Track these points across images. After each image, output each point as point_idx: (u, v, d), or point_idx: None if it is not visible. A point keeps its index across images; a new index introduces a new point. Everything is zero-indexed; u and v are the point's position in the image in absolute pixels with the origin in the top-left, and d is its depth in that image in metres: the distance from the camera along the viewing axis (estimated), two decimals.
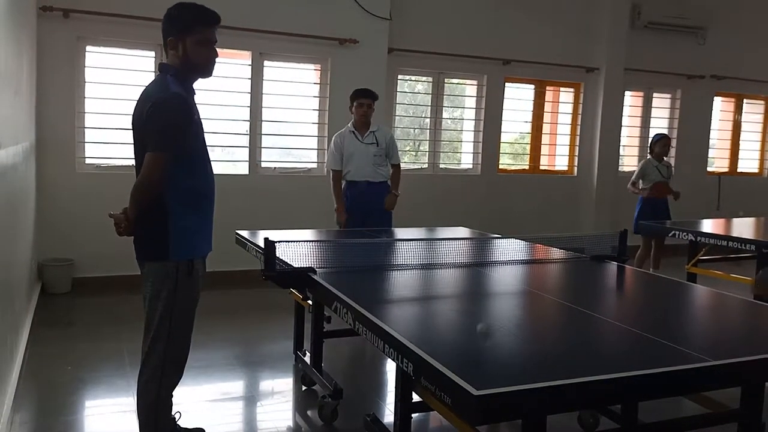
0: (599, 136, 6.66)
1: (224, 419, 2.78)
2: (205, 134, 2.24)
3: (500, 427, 2.73)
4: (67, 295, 4.65)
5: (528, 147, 6.69)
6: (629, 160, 7.10)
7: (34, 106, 4.44)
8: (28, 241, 3.95)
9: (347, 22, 5.39)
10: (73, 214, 4.69)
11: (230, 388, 3.18)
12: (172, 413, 2.31)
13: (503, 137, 6.44)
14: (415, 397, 2.09)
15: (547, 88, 6.63)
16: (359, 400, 2.93)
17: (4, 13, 2.72)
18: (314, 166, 5.61)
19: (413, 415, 2.16)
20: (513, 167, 6.65)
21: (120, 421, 2.70)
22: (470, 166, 6.36)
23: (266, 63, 5.31)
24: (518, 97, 6.49)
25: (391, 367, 3.31)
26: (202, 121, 2.25)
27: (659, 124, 7.17)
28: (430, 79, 6.07)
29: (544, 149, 6.75)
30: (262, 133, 5.37)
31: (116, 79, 4.78)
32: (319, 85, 5.54)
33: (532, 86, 6.52)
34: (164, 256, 2.12)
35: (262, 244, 2.53)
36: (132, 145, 2.18)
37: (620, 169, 6.93)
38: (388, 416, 2.74)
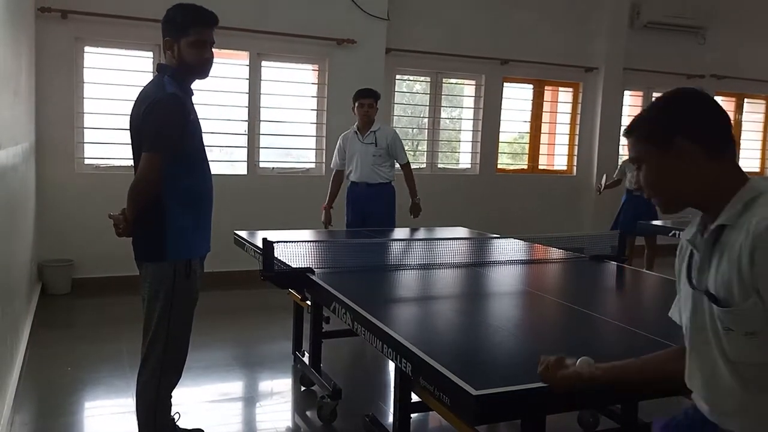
0: (598, 135, 6.66)
1: (223, 420, 2.78)
2: (202, 134, 2.24)
3: (499, 427, 2.73)
4: (67, 295, 4.65)
5: (527, 147, 6.68)
6: (625, 158, 7.10)
7: (33, 107, 4.44)
8: (28, 242, 3.95)
9: (345, 23, 5.39)
10: (73, 214, 4.69)
11: (229, 388, 3.18)
12: (172, 414, 2.31)
13: (502, 137, 6.43)
14: (414, 398, 2.09)
15: (546, 87, 6.62)
16: (358, 401, 2.93)
17: (2, 14, 2.72)
18: (312, 166, 5.61)
19: (412, 416, 2.16)
20: (512, 167, 6.65)
21: (119, 421, 2.70)
22: (469, 166, 6.36)
23: (264, 63, 5.30)
24: (517, 97, 6.49)
25: (390, 367, 3.31)
26: (201, 121, 2.25)
27: None
28: (428, 79, 6.07)
29: (543, 149, 6.75)
30: (261, 133, 5.37)
31: (114, 79, 4.78)
32: (317, 86, 5.54)
33: (531, 86, 6.52)
34: (162, 257, 2.12)
35: (260, 244, 2.53)
36: (130, 146, 2.18)
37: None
38: (388, 416, 2.74)
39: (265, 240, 2.46)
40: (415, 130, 6.48)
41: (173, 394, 2.27)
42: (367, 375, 3.42)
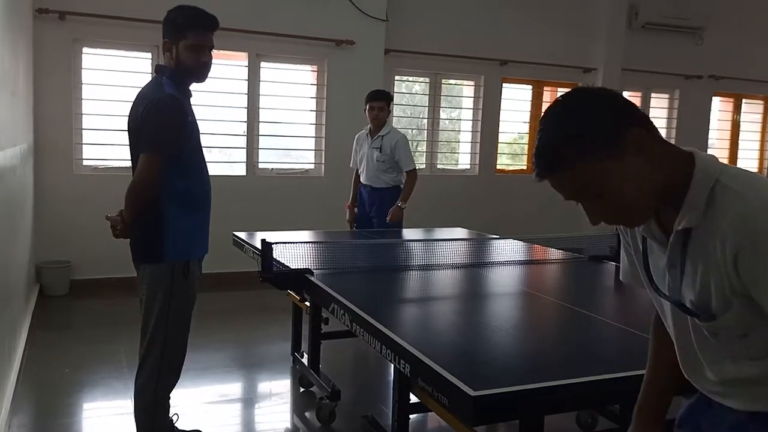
0: None
1: (222, 421, 2.78)
2: (200, 135, 2.24)
3: (498, 427, 2.72)
4: (65, 297, 4.64)
5: (526, 147, 6.69)
6: None
7: (31, 108, 4.44)
8: (26, 243, 3.94)
9: (343, 24, 5.39)
10: (71, 215, 4.68)
11: (228, 389, 3.18)
12: (170, 415, 2.30)
13: (501, 137, 6.44)
14: (413, 398, 2.09)
15: (545, 88, 6.63)
16: (357, 402, 2.92)
17: (0, 15, 2.71)
18: (311, 167, 5.61)
19: (411, 416, 2.16)
20: (511, 167, 6.65)
21: (118, 423, 2.69)
22: (468, 167, 6.36)
23: (263, 64, 5.30)
24: (515, 98, 6.50)
25: (388, 368, 3.30)
26: (199, 122, 2.25)
27: (658, 124, 7.08)
28: (427, 79, 6.07)
29: None
30: (260, 134, 5.37)
31: (113, 80, 4.78)
32: (316, 86, 5.54)
33: (530, 87, 6.52)
34: (159, 258, 2.11)
35: (259, 245, 2.53)
36: (128, 147, 2.18)
37: None
38: (386, 418, 2.73)
39: (263, 241, 2.46)
40: (414, 130, 6.48)
41: (171, 395, 2.26)
42: (365, 376, 3.42)
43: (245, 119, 5.28)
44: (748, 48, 7.21)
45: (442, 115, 6.35)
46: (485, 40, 6.05)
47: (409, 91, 6.29)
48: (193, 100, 2.24)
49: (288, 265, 2.52)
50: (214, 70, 2.25)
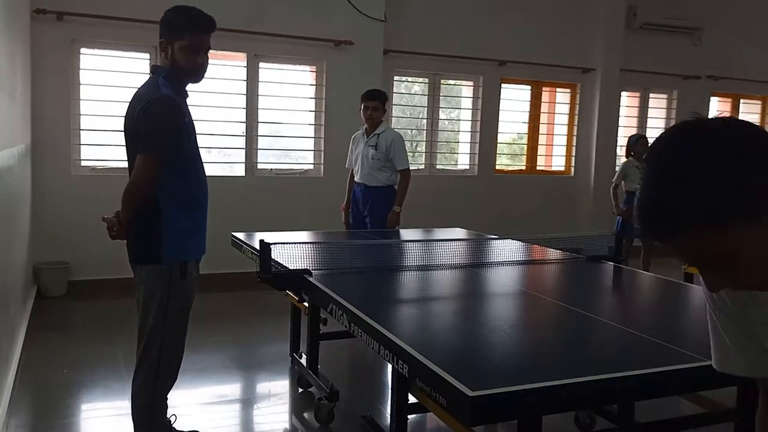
0: (596, 136, 6.67)
1: (220, 422, 2.77)
2: (197, 136, 2.23)
3: (496, 427, 2.72)
4: (63, 298, 4.63)
5: (525, 147, 6.69)
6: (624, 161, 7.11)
7: (29, 109, 4.43)
8: (24, 244, 3.93)
9: (342, 24, 5.39)
10: (69, 216, 4.67)
11: (226, 390, 3.17)
12: (168, 416, 2.30)
13: (500, 138, 6.44)
14: (411, 399, 2.09)
15: (544, 88, 6.63)
16: (355, 402, 2.92)
17: None
18: (310, 167, 5.61)
19: (409, 417, 2.15)
20: (510, 168, 6.66)
21: (116, 424, 2.69)
22: (467, 167, 6.36)
23: (261, 65, 5.30)
24: (515, 98, 6.50)
25: (387, 368, 3.30)
26: (198, 122, 2.25)
27: (656, 124, 7.19)
28: (426, 80, 6.07)
29: (541, 150, 6.76)
30: (259, 134, 5.37)
31: (111, 81, 4.78)
32: (314, 87, 5.54)
33: (529, 87, 6.53)
34: (157, 259, 2.11)
35: (257, 246, 2.52)
36: (124, 148, 2.17)
37: (617, 169, 6.93)
38: (385, 418, 2.73)
39: (262, 241, 2.46)
40: (413, 131, 6.48)
41: (169, 396, 2.26)
42: (364, 376, 3.42)
43: (244, 120, 5.27)
44: (746, 48, 7.22)
45: (441, 115, 6.35)
46: (484, 41, 6.05)
47: (409, 92, 6.29)
48: (190, 101, 2.23)
49: (286, 265, 2.51)
50: (213, 70, 2.24)
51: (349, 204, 4.32)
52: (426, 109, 6.13)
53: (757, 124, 0.68)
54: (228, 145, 5.42)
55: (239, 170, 5.35)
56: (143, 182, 2.05)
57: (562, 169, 6.82)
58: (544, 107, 6.68)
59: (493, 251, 3.14)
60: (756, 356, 0.89)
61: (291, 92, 5.53)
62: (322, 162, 5.51)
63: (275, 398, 3.10)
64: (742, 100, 7.65)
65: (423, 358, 1.49)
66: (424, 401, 1.90)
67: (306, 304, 2.95)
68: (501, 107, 6.34)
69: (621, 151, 7.08)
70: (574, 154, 6.75)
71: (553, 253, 3.03)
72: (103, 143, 4.91)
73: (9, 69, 3.18)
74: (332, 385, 2.69)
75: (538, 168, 6.73)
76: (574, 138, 6.73)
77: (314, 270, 2.44)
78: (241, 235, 3.25)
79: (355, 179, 4.24)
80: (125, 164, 2.20)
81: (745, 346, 0.89)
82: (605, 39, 6.53)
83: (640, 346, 1.71)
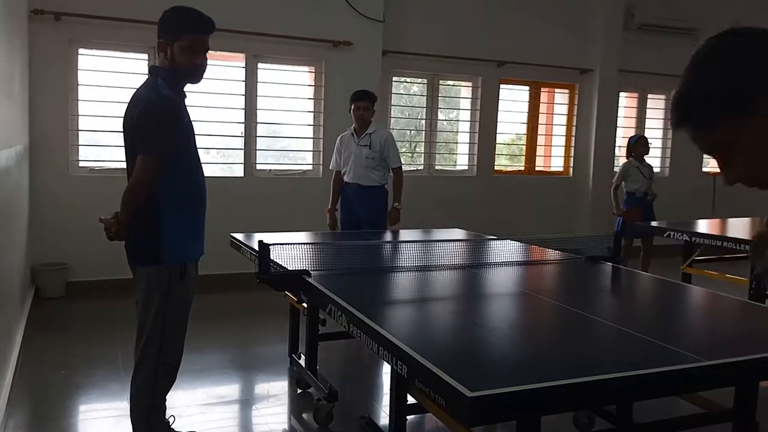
0: (594, 137, 6.67)
1: (219, 423, 2.77)
2: (196, 137, 2.23)
3: (495, 428, 2.72)
4: (61, 299, 4.62)
5: (524, 148, 6.70)
6: (625, 161, 7.11)
7: (27, 110, 4.42)
8: (22, 245, 3.93)
9: (341, 24, 5.39)
10: (67, 217, 4.66)
11: (225, 391, 3.17)
12: (166, 417, 2.29)
13: (499, 138, 6.44)
14: (410, 399, 2.09)
15: (542, 89, 6.64)
16: (354, 403, 2.92)
17: None
18: (309, 168, 5.61)
19: (408, 417, 2.15)
20: (509, 168, 6.66)
21: (114, 425, 2.69)
22: (466, 168, 6.36)
23: (260, 65, 5.30)
24: (513, 99, 6.51)
25: (386, 369, 3.30)
26: (197, 123, 2.25)
27: (654, 125, 7.20)
28: (425, 80, 6.08)
29: (540, 150, 6.77)
30: (257, 135, 5.37)
31: (109, 81, 4.77)
32: (313, 87, 5.54)
33: (527, 88, 6.54)
34: (156, 260, 2.11)
35: (256, 246, 2.52)
36: (123, 148, 2.17)
37: (616, 170, 6.93)
38: (384, 418, 2.73)
39: (261, 242, 2.46)
40: (412, 131, 6.49)
41: (168, 397, 2.26)
42: (363, 377, 3.41)
43: (243, 120, 5.27)
44: None
45: (440, 116, 6.36)
46: (482, 41, 6.06)
47: (407, 92, 6.29)
48: (189, 102, 2.23)
49: (285, 266, 2.51)
50: (211, 71, 2.25)
51: (335, 205, 4.31)
52: (425, 109, 6.14)
53: None
54: (227, 146, 5.42)
55: (238, 171, 5.35)
56: (143, 183, 2.05)
57: (561, 169, 6.83)
58: (542, 108, 6.68)
59: (491, 252, 3.14)
60: None
61: (290, 93, 5.53)
62: (321, 163, 5.51)
63: (274, 399, 3.10)
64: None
65: (422, 358, 1.49)
66: (423, 402, 1.90)
67: (305, 304, 2.95)
68: (500, 108, 6.34)
69: (619, 152, 7.09)
70: (572, 154, 6.76)
71: (552, 254, 3.03)
72: (101, 144, 4.90)
73: (7, 69, 3.18)
74: (331, 386, 2.69)
75: (536, 169, 6.74)
76: (573, 139, 6.74)
77: (313, 271, 2.44)
78: (240, 236, 3.25)
79: (346, 180, 4.24)
80: (124, 165, 2.20)
81: None
82: (603, 40, 6.54)
83: (638, 346, 1.71)
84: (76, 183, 4.77)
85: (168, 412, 2.30)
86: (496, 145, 6.42)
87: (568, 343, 1.80)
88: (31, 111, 4.54)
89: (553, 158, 6.83)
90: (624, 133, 7.16)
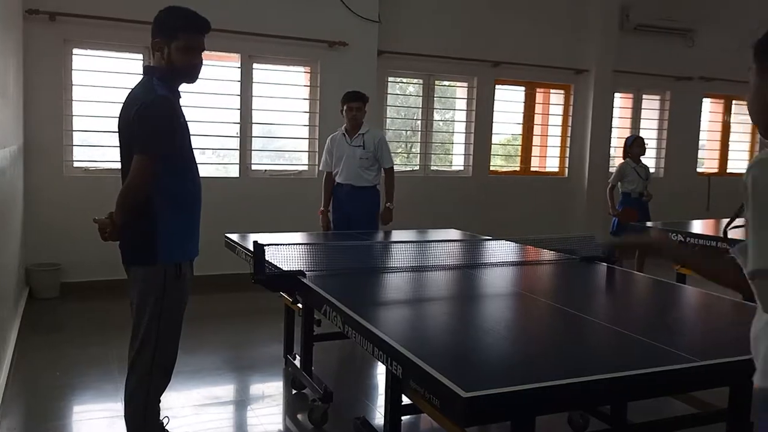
0: (590, 137, 6.69)
1: (214, 424, 2.76)
2: (191, 137, 2.22)
3: (490, 428, 2.72)
4: (55, 299, 4.60)
5: (519, 149, 6.71)
6: (620, 161, 7.13)
7: (21, 110, 4.40)
8: (16, 246, 3.91)
9: (336, 25, 5.39)
10: (61, 218, 4.64)
11: (220, 392, 3.16)
12: (161, 418, 2.28)
13: (494, 139, 6.46)
14: (405, 400, 2.09)
15: (538, 90, 6.66)
16: (349, 403, 2.92)
17: None
18: (305, 168, 5.60)
19: (403, 418, 2.15)
20: (504, 169, 6.67)
21: (108, 426, 2.67)
22: (461, 168, 6.37)
23: (255, 65, 5.29)
24: (509, 99, 6.52)
25: (381, 369, 3.30)
26: (192, 123, 2.24)
27: (649, 125, 7.23)
28: (420, 81, 6.08)
29: (535, 151, 6.78)
30: (253, 135, 5.35)
31: (104, 81, 4.75)
32: (309, 88, 5.53)
33: (523, 88, 6.55)
34: (152, 260, 2.10)
35: (251, 247, 2.52)
36: (118, 149, 2.16)
37: (611, 170, 6.96)
38: (379, 419, 2.73)
39: (255, 243, 2.45)
40: (408, 132, 6.49)
41: (162, 398, 2.25)
42: (358, 378, 3.41)
43: (238, 121, 5.26)
44: (737, 50, 7.26)
45: (436, 116, 6.36)
46: (478, 42, 6.07)
47: (403, 93, 6.29)
48: (184, 102, 2.23)
49: (280, 266, 2.51)
50: (206, 71, 2.25)
51: (328, 206, 4.31)
52: (420, 110, 6.14)
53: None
54: (222, 146, 5.41)
55: (233, 171, 5.34)
56: (139, 183, 2.04)
57: (556, 170, 6.85)
58: (538, 108, 6.70)
59: (487, 252, 3.14)
60: None
61: (285, 93, 5.52)
62: (317, 163, 5.50)
63: (269, 400, 3.09)
64: (734, 102, 7.71)
65: (417, 359, 1.49)
66: (417, 402, 1.90)
67: (300, 305, 2.95)
68: (495, 108, 6.35)
69: (615, 152, 7.11)
70: (567, 155, 6.78)
71: (547, 254, 3.03)
72: (95, 144, 4.88)
73: (1, 69, 3.16)
74: (326, 387, 2.69)
75: (532, 169, 6.75)
76: (568, 139, 6.76)
77: (308, 271, 2.44)
78: (234, 237, 3.24)
79: (338, 180, 4.23)
80: (118, 165, 2.19)
81: None
82: (598, 40, 6.56)
83: (632, 346, 1.72)
84: (71, 183, 4.75)
85: (162, 413, 2.29)
86: (492, 146, 6.43)
87: (563, 344, 1.81)
88: (25, 111, 4.52)
89: (549, 159, 6.84)
90: (619, 133, 7.18)
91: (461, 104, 6.39)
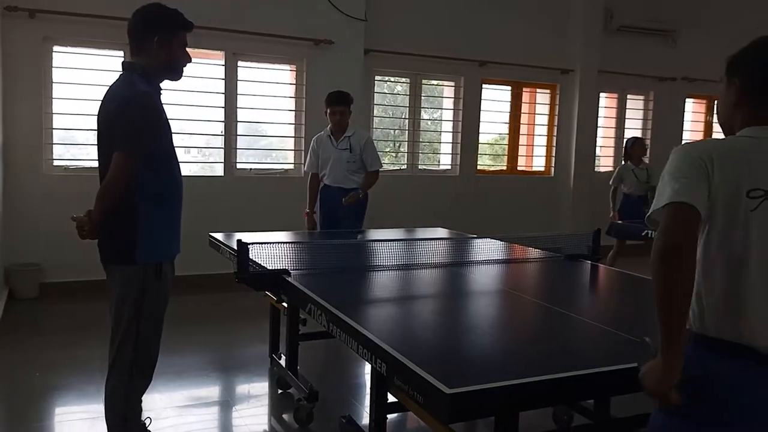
0: (575, 136, 6.74)
1: (198, 425, 2.73)
2: (173, 134, 2.20)
3: (475, 424, 2.73)
4: (35, 300, 4.53)
5: (506, 148, 6.74)
6: (605, 161, 7.22)
7: (0, 108, 4.32)
8: None
9: (322, 23, 5.36)
10: (41, 217, 4.56)
11: (204, 393, 3.12)
12: (142, 419, 2.25)
13: (481, 138, 6.48)
14: (391, 398, 2.08)
15: (524, 89, 6.69)
16: (335, 403, 2.90)
17: None
18: (291, 167, 5.57)
19: (389, 416, 2.14)
20: (491, 168, 6.70)
21: (89, 427, 2.63)
22: (449, 167, 6.38)
23: (240, 63, 5.25)
24: (495, 98, 6.55)
25: (366, 368, 3.29)
26: (176, 121, 2.23)
27: (633, 125, 7.30)
28: (408, 80, 6.08)
29: (522, 150, 6.82)
30: (238, 134, 5.31)
31: (84, 79, 4.68)
32: (294, 86, 5.50)
33: (509, 88, 6.58)
34: (131, 259, 2.06)
35: (235, 246, 2.49)
36: (96, 146, 2.13)
37: (596, 169, 7.04)
38: (365, 418, 2.72)
39: (239, 241, 2.43)
40: (396, 131, 6.49)
41: (144, 399, 2.21)
42: (343, 376, 3.40)
43: (223, 119, 5.21)
44: (719, 51, 7.33)
45: (424, 115, 6.37)
46: (464, 41, 6.08)
47: (391, 92, 6.29)
48: (168, 99, 2.20)
49: (265, 266, 2.48)
50: (190, 68, 2.24)
51: (313, 207, 4.24)
52: (408, 109, 6.14)
53: None
54: (206, 145, 5.36)
55: (218, 170, 5.29)
56: (120, 180, 2.00)
57: (542, 169, 6.89)
58: (524, 108, 6.73)
59: (473, 250, 3.15)
60: None
61: (271, 91, 5.48)
62: (303, 162, 5.47)
63: (254, 400, 3.06)
64: (716, 102, 7.79)
65: (401, 356, 1.48)
66: (402, 400, 1.89)
67: (285, 304, 2.92)
68: (482, 108, 6.37)
69: (600, 152, 7.18)
70: (554, 154, 6.82)
71: (533, 252, 3.05)
72: (76, 142, 4.81)
73: None
74: (311, 386, 2.67)
75: (518, 168, 6.79)
76: (554, 138, 6.81)
77: (293, 270, 2.42)
78: (219, 236, 3.21)
79: (326, 182, 4.17)
80: (98, 164, 2.15)
81: None
82: (583, 40, 6.61)
83: (615, 342, 1.73)
84: (51, 182, 4.67)
85: (145, 414, 2.26)
86: (479, 145, 6.45)
87: (546, 340, 1.81)
88: (4, 109, 4.43)
89: (535, 158, 6.88)
90: (604, 133, 7.25)
91: (448, 103, 6.40)
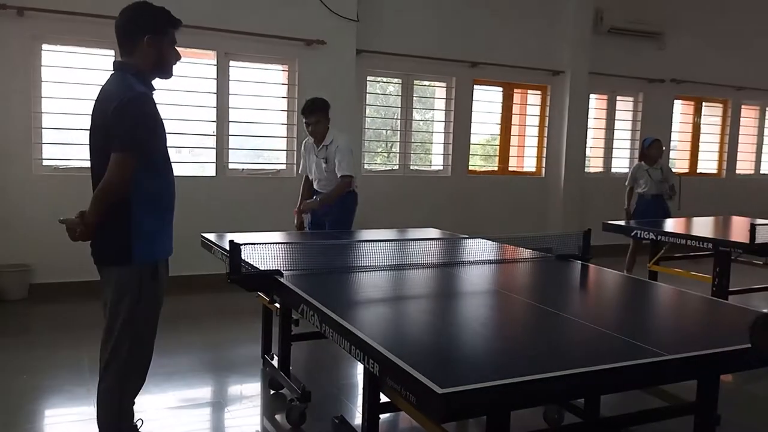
0: (566, 137, 6.79)
1: (190, 426, 2.72)
2: (167, 135, 2.19)
3: (468, 424, 2.75)
4: (24, 301, 4.49)
5: (497, 149, 6.78)
6: (595, 161, 7.28)
7: None
8: None
9: (314, 23, 5.36)
10: (30, 217, 4.53)
11: (196, 393, 3.12)
12: (134, 420, 2.24)
13: (473, 139, 6.51)
14: (383, 398, 2.09)
15: (515, 90, 6.73)
16: (327, 403, 2.91)
17: None
18: (282, 167, 5.56)
19: (381, 416, 2.15)
20: (483, 168, 6.73)
21: (80, 430, 2.61)
22: (441, 168, 6.41)
23: (232, 63, 5.23)
24: (487, 99, 6.58)
25: (359, 368, 3.29)
26: (167, 121, 2.22)
27: (623, 126, 7.37)
28: (399, 80, 6.09)
29: (513, 151, 6.86)
30: (230, 134, 5.29)
31: (74, 78, 4.64)
32: (287, 86, 5.50)
33: (500, 89, 6.62)
34: (127, 261, 2.06)
35: (227, 246, 2.49)
36: (88, 147, 2.11)
37: (587, 170, 7.09)
38: (358, 418, 2.73)
39: (231, 242, 2.42)
40: (388, 131, 6.49)
41: (136, 400, 2.21)
42: (336, 377, 3.40)
43: (215, 119, 5.20)
44: (707, 53, 7.47)
45: (416, 116, 6.38)
46: (456, 42, 6.11)
47: (383, 92, 6.29)
48: (159, 99, 2.19)
49: (257, 266, 2.48)
50: (181, 68, 2.25)
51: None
52: (400, 109, 6.15)
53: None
54: (198, 145, 5.34)
55: (210, 170, 5.27)
56: (119, 181, 1.99)
57: (534, 170, 6.93)
58: (515, 109, 6.77)
59: (464, 251, 3.16)
60: None
61: (263, 92, 5.47)
62: (295, 162, 5.47)
63: (246, 401, 3.06)
64: (704, 103, 7.91)
65: (393, 356, 1.49)
66: (395, 400, 1.90)
67: (277, 305, 2.92)
68: (474, 108, 6.40)
69: (590, 152, 7.23)
70: (545, 155, 6.87)
71: (524, 252, 3.07)
72: (65, 142, 4.77)
73: None
74: (304, 387, 2.67)
75: (510, 169, 6.83)
76: (545, 139, 6.85)
77: (285, 270, 2.42)
78: (211, 236, 3.20)
79: (315, 187, 4.17)
80: (89, 164, 2.14)
81: None
82: (574, 42, 6.66)
83: (604, 341, 1.75)
84: (40, 182, 4.63)
85: (137, 415, 2.25)
86: (471, 146, 6.48)
87: (537, 340, 1.83)
88: None
89: (526, 159, 6.93)
90: (595, 134, 7.31)
91: (440, 104, 6.42)
